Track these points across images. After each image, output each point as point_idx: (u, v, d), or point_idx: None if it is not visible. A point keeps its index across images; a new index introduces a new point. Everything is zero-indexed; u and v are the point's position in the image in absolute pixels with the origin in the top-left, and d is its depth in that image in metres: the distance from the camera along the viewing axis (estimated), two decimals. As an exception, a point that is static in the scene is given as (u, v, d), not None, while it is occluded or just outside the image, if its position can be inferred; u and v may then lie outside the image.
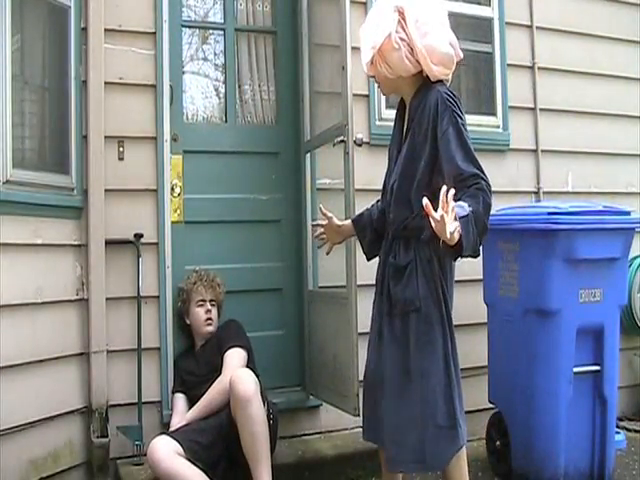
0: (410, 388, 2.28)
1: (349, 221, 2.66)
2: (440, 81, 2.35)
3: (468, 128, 2.30)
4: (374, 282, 2.50)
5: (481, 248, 2.20)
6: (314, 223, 2.92)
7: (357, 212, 2.82)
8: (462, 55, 2.41)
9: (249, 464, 2.65)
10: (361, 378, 2.83)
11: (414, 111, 2.35)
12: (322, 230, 2.70)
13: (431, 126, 2.27)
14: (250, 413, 2.64)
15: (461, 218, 2.04)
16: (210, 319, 3.12)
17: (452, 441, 2.28)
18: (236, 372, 2.75)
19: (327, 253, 2.73)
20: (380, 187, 2.54)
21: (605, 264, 3.02)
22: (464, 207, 2.09)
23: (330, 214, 2.65)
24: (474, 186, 2.15)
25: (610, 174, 4.23)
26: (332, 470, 3.08)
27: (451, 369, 2.28)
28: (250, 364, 3.00)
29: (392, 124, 2.54)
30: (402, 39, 2.29)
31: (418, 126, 2.31)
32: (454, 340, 2.32)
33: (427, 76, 2.34)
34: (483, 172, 2.20)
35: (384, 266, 2.42)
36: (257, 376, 3.04)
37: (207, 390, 2.88)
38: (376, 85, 2.56)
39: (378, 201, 2.61)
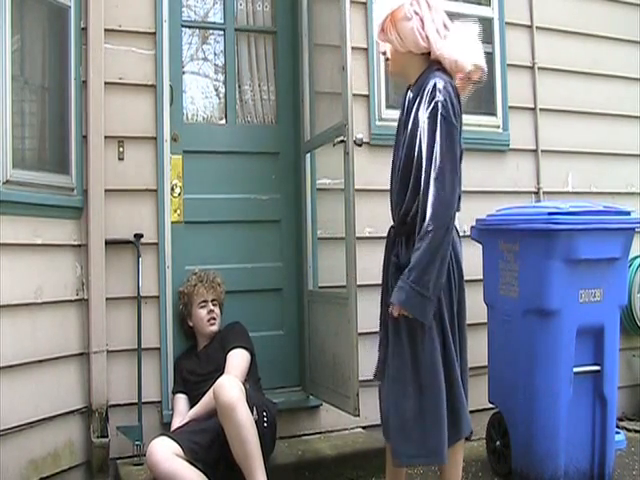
0: (412, 382, 2.31)
1: None
2: (444, 70, 2.35)
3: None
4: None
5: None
6: None
7: (357, 211, 2.83)
8: (469, 67, 2.41)
9: (243, 471, 2.63)
10: (361, 378, 2.84)
11: (412, 98, 2.38)
12: None
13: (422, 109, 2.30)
14: (236, 420, 2.61)
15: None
16: (214, 318, 3.13)
17: (454, 433, 2.33)
18: (219, 380, 2.71)
19: None
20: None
21: (605, 264, 3.01)
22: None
23: None
24: (427, 233, 2.20)
25: (610, 174, 4.23)
26: (332, 470, 3.08)
27: (452, 362, 2.32)
28: (252, 368, 3.00)
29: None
30: (416, 12, 2.35)
31: (416, 112, 2.34)
32: (455, 334, 2.36)
33: (433, 60, 2.36)
34: (454, 167, 2.24)
35: (387, 264, 2.45)
36: (258, 379, 3.05)
37: (209, 389, 2.87)
38: (383, 63, 2.54)
39: None
